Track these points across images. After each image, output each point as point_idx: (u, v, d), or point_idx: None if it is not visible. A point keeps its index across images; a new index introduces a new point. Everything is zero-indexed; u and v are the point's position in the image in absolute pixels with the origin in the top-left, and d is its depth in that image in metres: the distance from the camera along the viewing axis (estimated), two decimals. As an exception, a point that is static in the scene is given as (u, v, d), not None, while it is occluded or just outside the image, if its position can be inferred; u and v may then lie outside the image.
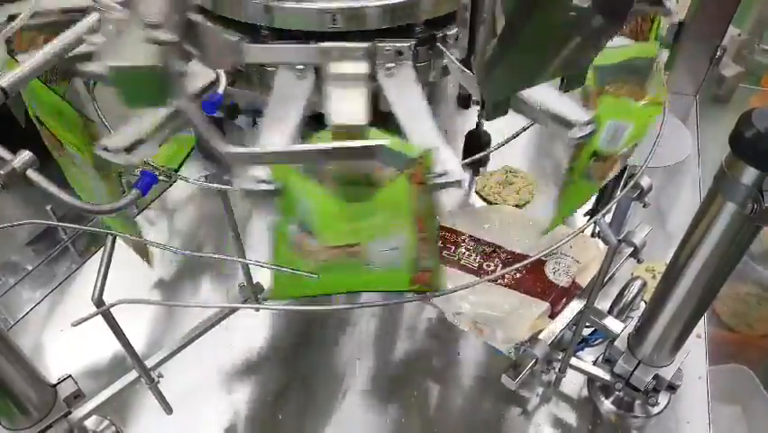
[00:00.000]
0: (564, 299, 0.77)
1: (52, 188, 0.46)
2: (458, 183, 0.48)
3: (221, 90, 0.51)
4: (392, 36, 0.57)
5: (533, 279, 0.78)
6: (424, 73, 0.61)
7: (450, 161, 0.49)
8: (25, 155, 0.45)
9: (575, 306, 0.78)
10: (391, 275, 0.60)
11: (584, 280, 0.78)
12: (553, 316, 0.75)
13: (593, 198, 0.95)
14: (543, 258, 0.78)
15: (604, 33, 0.48)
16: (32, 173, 0.45)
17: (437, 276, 0.59)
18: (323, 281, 0.58)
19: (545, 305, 0.75)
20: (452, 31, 0.60)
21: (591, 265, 0.79)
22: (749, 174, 0.55)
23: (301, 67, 0.57)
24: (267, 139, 0.53)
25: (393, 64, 0.57)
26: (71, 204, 0.47)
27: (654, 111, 0.60)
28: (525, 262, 0.59)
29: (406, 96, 0.56)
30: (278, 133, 0.53)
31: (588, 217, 1.01)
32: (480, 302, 0.75)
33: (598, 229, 0.94)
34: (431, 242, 0.55)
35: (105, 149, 0.47)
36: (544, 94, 0.53)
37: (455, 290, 0.68)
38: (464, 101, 1.11)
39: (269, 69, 0.61)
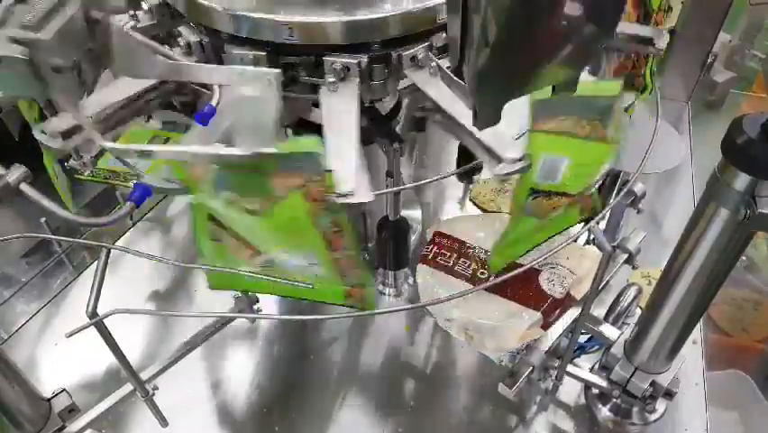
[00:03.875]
0: (558, 311, 0.77)
1: (45, 202, 0.46)
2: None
3: (214, 102, 0.51)
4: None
5: (526, 288, 0.78)
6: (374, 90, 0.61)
7: (356, 181, 0.48)
8: (19, 169, 0.46)
9: (570, 315, 0.77)
10: (326, 287, 0.60)
11: (579, 293, 0.78)
12: (545, 327, 0.75)
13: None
14: (538, 267, 0.78)
15: (595, 41, 0.48)
16: (25, 187, 0.46)
17: (369, 294, 0.60)
18: (254, 282, 0.60)
19: (537, 315, 0.75)
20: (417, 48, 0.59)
21: (587, 278, 0.79)
22: (741, 180, 0.56)
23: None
24: None
25: (335, 79, 0.57)
26: (64, 217, 0.47)
27: (606, 151, 0.60)
28: (518, 270, 0.59)
29: (339, 112, 0.56)
30: None
31: (582, 224, 1.01)
32: (472, 309, 0.75)
33: (592, 236, 0.94)
34: (354, 259, 0.55)
35: (42, 132, 0.47)
36: None
37: (449, 299, 0.68)
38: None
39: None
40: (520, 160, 0.51)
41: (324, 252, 0.53)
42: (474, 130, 0.51)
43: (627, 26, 0.64)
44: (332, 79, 0.57)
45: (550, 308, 0.76)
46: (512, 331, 0.73)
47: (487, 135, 0.52)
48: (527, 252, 0.73)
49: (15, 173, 0.45)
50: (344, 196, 0.47)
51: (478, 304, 0.76)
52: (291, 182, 0.47)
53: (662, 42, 0.62)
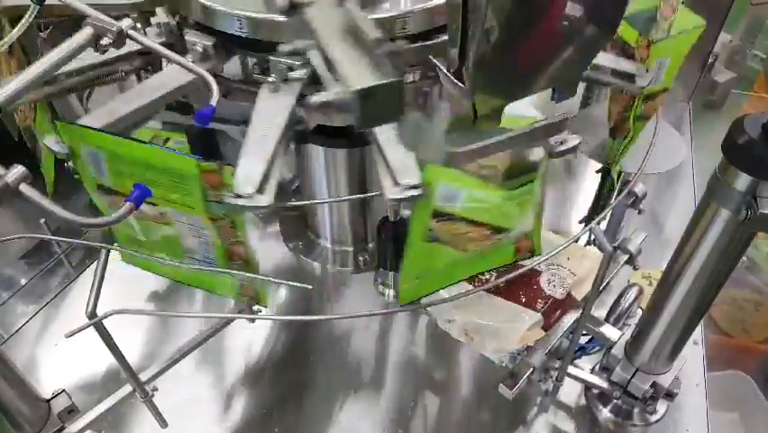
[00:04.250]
0: (558, 312, 0.76)
1: (45, 202, 0.46)
2: (575, 149, 0.52)
3: (213, 102, 0.51)
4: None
5: (527, 289, 0.78)
6: None
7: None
8: (18, 169, 0.45)
9: (571, 316, 0.77)
10: (499, 252, 0.64)
11: (580, 294, 0.78)
12: (546, 328, 0.75)
13: (588, 205, 0.96)
14: (538, 269, 0.78)
15: (596, 44, 0.49)
16: (25, 187, 0.45)
17: (538, 241, 0.64)
18: (444, 274, 0.63)
19: (538, 316, 0.75)
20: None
21: (588, 278, 0.79)
22: (742, 180, 0.55)
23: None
24: None
25: None
26: (65, 217, 0.47)
27: (693, 36, 0.67)
28: (519, 271, 0.59)
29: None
30: None
31: (583, 225, 1.01)
32: (472, 311, 0.74)
33: (593, 237, 0.94)
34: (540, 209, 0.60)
35: (239, 196, 0.47)
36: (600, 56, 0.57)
37: (450, 300, 0.68)
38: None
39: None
40: (647, 71, 0.62)
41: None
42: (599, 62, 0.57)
43: (611, 59, 0.66)
44: None
45: (550, 308, 0.76)
46: (513, 332, 0.73)
47: (611, 63, 0.58)
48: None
49: (15, 174, 0.45)
50: (563, 144, 0.52)
51: (478, 305, 0.76)
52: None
53: (643, 81, 0.64)
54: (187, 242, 0.59)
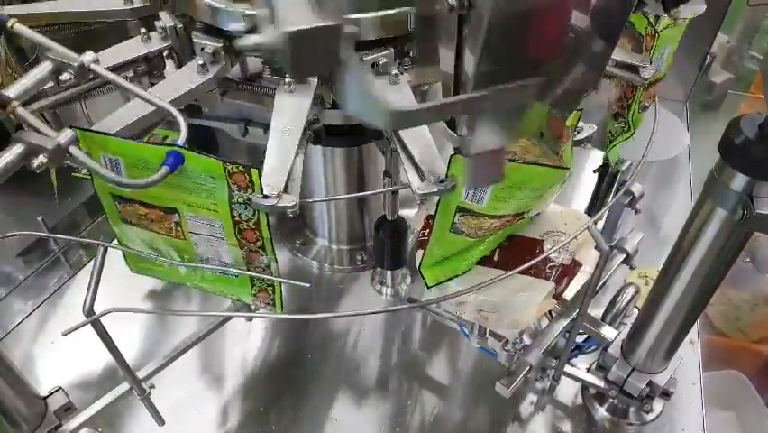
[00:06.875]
0: (566, 278, 0.75)
1: (93, 164, 0.47)
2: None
3: (181, 141, 0.49)
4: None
5: (533, 259, 0.76)
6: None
7: None
8: (69, 132, 0.46)
9: (566, 317, 0.77)
10: (512, 227, 0.68)
11: (583, 257, 0.76)
12: (557, 296, 0.74)
13: (585, 205, 0.96)
14: (540, 238, 0.76)
15: (601, 56, 0.49)
16: (74, 149, 0.46)
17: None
18: (464, 258, 0.67)
19: (551, 285, 0.73)
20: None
21: (589, 241, 0.77)
22: (739, 180, 0.56)
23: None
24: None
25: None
26: (110, 178, 0.47)
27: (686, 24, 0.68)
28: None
29: None
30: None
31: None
32: (483, 289, 0.72)
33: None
34: None
35: (265, 196, 0.47)
36: None
37: (453, 296, 0.68)
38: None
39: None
40: (651, 63, 0.59)
41: None
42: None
43: (616, 51, 0.66)
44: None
45: (560, 275, 0.74)
46: (529, 304, 0.71)
47: (616, 54, 0.56)
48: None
49: (66, 136, 0.45)
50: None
51: (488, 283, 0.73)
52: None
53: (647, 73, 0.65)
54: (200, 251, 0.59)
